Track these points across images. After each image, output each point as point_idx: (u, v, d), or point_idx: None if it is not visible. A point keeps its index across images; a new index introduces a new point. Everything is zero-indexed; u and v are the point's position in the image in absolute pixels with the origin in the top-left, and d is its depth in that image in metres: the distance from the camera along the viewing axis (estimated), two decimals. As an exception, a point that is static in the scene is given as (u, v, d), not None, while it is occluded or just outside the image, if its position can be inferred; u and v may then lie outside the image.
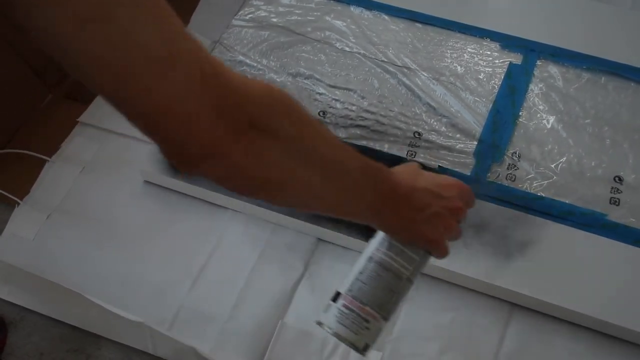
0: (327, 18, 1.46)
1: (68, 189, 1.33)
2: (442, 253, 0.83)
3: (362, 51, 1.41)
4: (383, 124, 1.30)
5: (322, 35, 1.44)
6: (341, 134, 1.28)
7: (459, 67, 1.37)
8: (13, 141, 1.40)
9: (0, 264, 1.22)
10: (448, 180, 0.83)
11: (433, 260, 0.83)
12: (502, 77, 1.35)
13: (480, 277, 1.13)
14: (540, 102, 1.32)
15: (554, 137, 1.27)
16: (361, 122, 1.30)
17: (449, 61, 1.38)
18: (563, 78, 1.35)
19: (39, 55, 1.34)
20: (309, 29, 1.45)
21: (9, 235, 1.28)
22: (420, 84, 1.35)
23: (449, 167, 1.24)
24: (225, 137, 0.58)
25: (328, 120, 1.30)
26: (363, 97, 1.34)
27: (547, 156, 1.25)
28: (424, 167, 0.89)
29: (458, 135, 1.28)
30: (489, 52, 1.40)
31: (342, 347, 1.11)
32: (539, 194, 1.21)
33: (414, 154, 1.26)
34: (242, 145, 0.59)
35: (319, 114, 1.31)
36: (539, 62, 1.37)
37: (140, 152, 1.31)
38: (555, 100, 1.32)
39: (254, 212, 1.25)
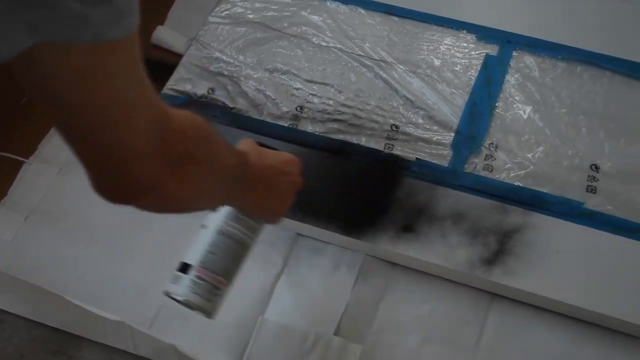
0: (304, 13, 1.46)
1: (46, 190, 1.32)
2: (279, 220, 0.97)
3: (338, 45, 1.41)
4: (360, 117, 1.30)
5: (299, 30, 1.44)
6: (318, 128, 1.29)
7: (435, 60, 1.38)
8: (-10, 143, 1.39)
9: (-21, 266, 1.22)
10: (286, 156, 0.96)
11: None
12: (479, 69, 1.36)
13: (459, 268, 1.14)
14: (517, 93, 1.32)
15: (530, 127, 1.28)
16: (338, 117, 1.30)
17: (426, 54, 1.39)
18: (539, 68, 1.36)
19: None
20: (285, 25, 1.44)
21: (-13, 237, 1.27)
22: (397, 77, 1.35)
23: (427, 159, 1.24)
24: (165, 172, 0.63)
25: (305, 115, 1.30)
26: (340, 92, 1.34)
27: (523, 146, 1.26)
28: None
29: (435, 128, 1.28)
30: (465, 44, 1.40)
31: (323, 341, 1.11)
32: (516, 184, 1.21)
33: (391, 146, 1.26)
34: (177, 176, 0.65)
35: (296, 109, 1.31)
36: (514, 53, 1.38)
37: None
38: (531, 91, 1.32)
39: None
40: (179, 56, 1.42)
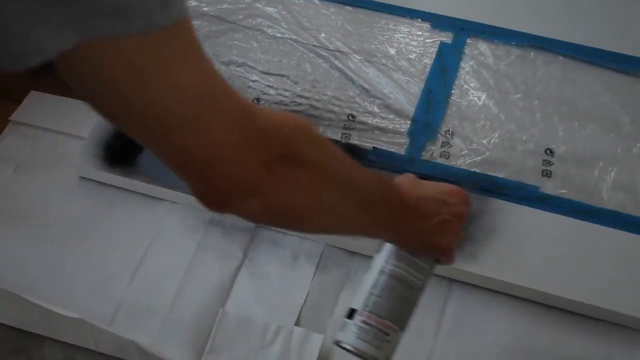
0: (258, 5, 1.46)
1: (1, 189, 1.31)
2: (451, 259, 0.86)
3: (294, 37, 1.41)
4: (317, 108, 1.30)
5: (254, 22, 1.43)
6: (275, 120, 1.28)
7: (390, 49, 1.38)
8: (-57, 143, 1.37)
9: None
10: (449, 187, 0.86)
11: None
12: (434, 57, 1.37)
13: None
14: (472, 80, 1.34)
15: (485, 113, 1.29)
16: (295, 108, 1.30)
17: (381, 43, 1.39)
18: (493, 55, 1.37)
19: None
20: (240, 17, 1.44)
21: (-58, 238, 1.26)
22: (352, 66, 1.35)
23: (384, 147, 1.25)
24: (260, 174, 0.58)
25: (262, 107, 1.30)
26: (296, 83, 1.34)
27: (479, 132, 1.27)
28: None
29: (391, 116, 1.29)
30: (419, 33, 1.41)
31: (284, 332, 1.11)
32: (472, 170, 1.22)
33: (348, 136, 1.26)
34: (275, 178, 0.59)
35: (253, 100, 1.31)
36: (469, 40, 1.39)
37: (74, 149, 1.30)
38: (486, 77, 1.34)
39: (191, 202, 1.24)
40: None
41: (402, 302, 0.85)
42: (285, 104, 1.30)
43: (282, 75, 1.35)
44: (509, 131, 1.27)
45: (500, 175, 1.22)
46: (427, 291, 1.15)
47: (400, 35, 1.40)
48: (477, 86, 1.33)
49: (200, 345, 1.12)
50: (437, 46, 1.38)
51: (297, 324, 1.13)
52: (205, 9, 1.45)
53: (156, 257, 1.21)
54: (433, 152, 1.25)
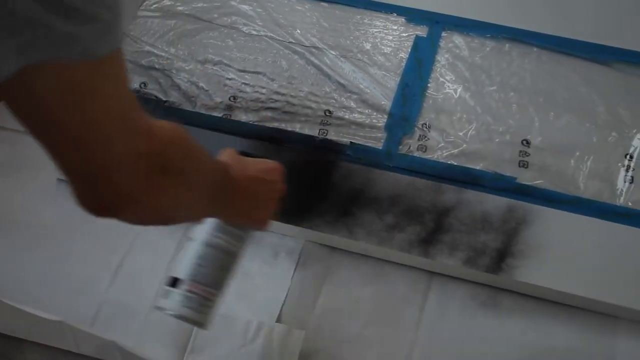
0: (233, 3, 1.46)
1: (-21, 193, 1.30)
2: (266, 227, 0.97)
3: (269, 34, 1.41)
4: (294, 104, 1.30)
5: (229, 20, 1.43)
6: (252, 117, 1.29)
7: (366, 44, 1.39)
8: None
9: None
10: (268, 164, 0.95)
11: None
12: (409, 51, 1.37)
13: (396, 248, 1.15)
14: (447, 73, 1.34)
15: (462, 106, 1.30)
16: (272, 105, 1.30)
17: (356, 38, 1.39)
18: (468, 47, 1.37)
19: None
20: (216, 15, 1.44)
21: None
22: (328, 62, 1.35)
23: (361, 142, 1.25)
24: (144, 184, 0.64)
25: (239, 105, 1.30)
26: (272, 80, 1.34)
27: (456, 125, 1.27)
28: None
29: (368, 111, 1.29)
30: (395, 27, 1.41)
31: (266, 329, 1.11)
32: (450, 163, 1.23)
33: (325, 132, 1.27)
34: (156, 188, 0.66)
35: (229, 99, 1.31)
36: (444, 34, 1.39)
37: (52, 151, 1.29)
38: (461, 70, 1.34)
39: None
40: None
41: (223, 270, 0.93)
42: (262, 101, 1.30)
43: (258, 73, 1.35)
44: (485, 123, 1.27)
45: (477, 167, 1.22)
46: (407, 284, 1.17)
47: (376, 30, 1.41)
48: (453, 79, 1.33)
49: (183, 344, 1.12)
50: (412, 40, 1.38)
51: (278, 320, 1.14)
52: (180, 8, 1.45)
53: (137, 258, 1.21)
54: (410, 146, 1.25)
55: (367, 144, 1.25)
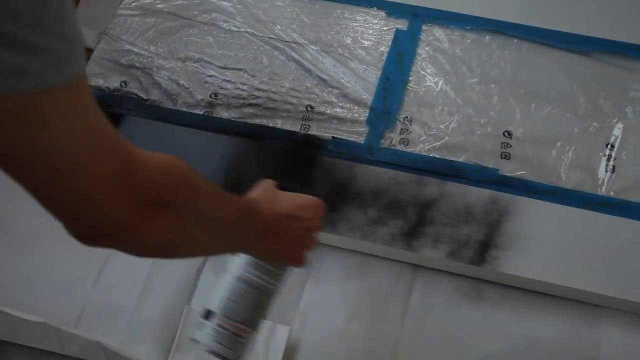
0: (213, 0, 1.45)
1: (-39, 195, 1.29)
2: (302, 265, 0.93)
3: (249, 30, 1.40)
4: (275, 100, 1.30)
5: (209, 17, 1.43)
6: (234, 114, 1.28)
7: (346, 38, 1.38)
8: None
9: None
10: (303, 199, 0.92)
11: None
12: (390, 44, 1.37)
13: (380, 242, 1.15)
14: (428, 66, 1.34)
15: (443, 99, 1.30)
16: (253, 101, 1.30)
17: (337, 33, 1.39)
18: (449, 40, 1.37)
19: None
20: (195, 12, 1.44)
21: None
22: (309, 57, 1.35)
23: (343, 136, 1.25)
24: (133, 216, 0.62)
25: (220, 102, 1.30)
26: (253, 76, 1.34)
27: (437, 118, 1.28)
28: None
29: (349, 105, 1.29)
30: (375, 21, 1.41)
31: (251, 325, 1.11)
32: (432, 155, 1.23)
33: (307, 127, 1.26)
34: (146, 221, 0.63)
35: (210, 96, 1.31)
36: (424, 27, 1.39)
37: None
38: (442, 63, 1.34)
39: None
40: (89, 51, 1.40)
41: (256, 307, 0.91)
42: (243, 98, 1.30)
43: (239, 69, 1.34)
44: (466, 115, 1.28)
45: (459, 160, 1.23)
46: (391, 277, 1.17)
47: (356, 24, 1.40)
48: (434, 72, 1.33)
49: (168, 343, 1.12)
50: (392, 34, 1.38)
51: (263, 316, 1.13)
52: (160, 5, 1.45)
53: (120, 257, 1.18)
54: (392, 140, 1.25)
55: (349, 139, 1.25)
